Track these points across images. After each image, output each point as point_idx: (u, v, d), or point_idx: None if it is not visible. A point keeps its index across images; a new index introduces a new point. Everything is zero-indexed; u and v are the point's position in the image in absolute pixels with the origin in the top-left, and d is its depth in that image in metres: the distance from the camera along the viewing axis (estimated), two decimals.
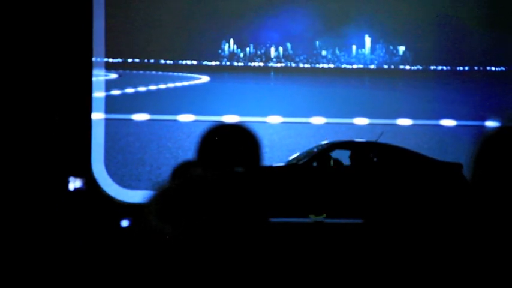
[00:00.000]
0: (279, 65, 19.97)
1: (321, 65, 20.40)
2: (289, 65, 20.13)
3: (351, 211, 10.71)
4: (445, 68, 20.96)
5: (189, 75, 21.80)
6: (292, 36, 20.31)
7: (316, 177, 11.29)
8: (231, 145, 2.22)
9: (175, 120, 16.69)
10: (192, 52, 20.05)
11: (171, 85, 20.90)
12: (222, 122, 2.39)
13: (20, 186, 7.95)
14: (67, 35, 10.18)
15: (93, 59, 11.33)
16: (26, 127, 9.10)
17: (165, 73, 21.03)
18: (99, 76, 21.83)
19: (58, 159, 8.43)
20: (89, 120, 10.38)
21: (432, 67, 21.01)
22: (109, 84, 20.22)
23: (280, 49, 20.31)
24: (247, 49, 20.05)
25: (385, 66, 21.18)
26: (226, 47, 19.83)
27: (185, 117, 16.76)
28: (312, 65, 20.28)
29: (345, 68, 20.81)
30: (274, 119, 17.56)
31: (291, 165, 11.43)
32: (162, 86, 20.80)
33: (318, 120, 17.58)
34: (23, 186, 8.04)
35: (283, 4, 19.88)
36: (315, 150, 11.64)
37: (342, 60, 20.87)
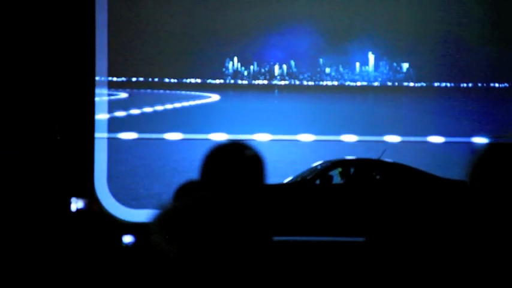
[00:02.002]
0: (282, 82, 20.04)
1: (324, 83, 20.46)
2: (293, 82, 20.20)
3: (356, 230, 10.72)
4: (448, 84, 20.99)
5: (198, 93, 21.87)
6: (296, 54, 20.38)
7: (319, 194, 11.31)
8: (234, 164, 2.21)
9: (207, 139, 16.83)
10: (195, 70, 20.13)
11: (186, 103, 20.97)
12: (224, 140, 2.38)
13: (22, 204, 7.96)
14: (69, 55, 10.25)
15: (97, 78, 11.40)
16: (29, 147, 9.18)
17: (174, 92, 21.09)
18: (110, 95, 22.08)
19: (61, 179, 8.44)
20: (92, 140, 10.47)
21: (436, 84, 21.05)
22: (124, 103, 20.33)
23: (284, 67, 20.40)
24: (251, 67, 20.14)
25: (389, 83, 21.22)
26: (230, 65, 19.92)
27: (217, 136, 16.92)
28: (316, 83, 20.34)
29: (348, 85, 20.87)
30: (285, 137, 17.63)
31: (293, 183, 11.47)
32: (178, 105, 20.86)
33: (329, 138, 17.70)
34: (25, 205, 8.06)
35: (286, 22, 19.98)
36: (319, 168, 11.67)
37: (346, 77, 20.94)
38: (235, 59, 20.45)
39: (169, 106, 20.94)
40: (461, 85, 21.15)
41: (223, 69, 20.37)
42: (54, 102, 9.57)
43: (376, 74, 21.17)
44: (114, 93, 20.16)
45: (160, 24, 19.36)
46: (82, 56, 10.10)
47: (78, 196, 8.74)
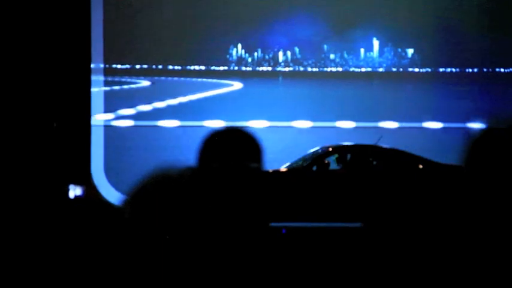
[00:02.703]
0: (287, 69, 20.03)
1: (329, 69, 20.44)
2: (297, 69, 20.18)
3: (354, 215, 10.74)
4: (454, 70, 20.91)
5: (220, 81, 21.72)
6: (300, 40, 20.36)
7: (317, 181, 11.35)
8: (232, 149, 2.21)
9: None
10: (199, 57, 20.14)
11: (215, 92, 20.80)
12: (223, 126, 2.39)
13: (19, 192, 8.02)
14: (65, 43, 10.28)
15: (100, 65, 11.42)
16: (25, 135, 9.19)
17: (193, 80, 20.93)
18: (131, 84, 21.96)
19: (58, 166, 8.48)
20: (89, 127, 10.50)
21: (441, 69, 20.97)
22: (150, 92, 20.29)
23: (288, 53, 20.37)
24: (255, 54, 20.14)
25: (394, 69, 21.16)
26: (234, 52, 19.92)
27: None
28: (320, 69, 20.32)
29: (353, 71, 20.84)
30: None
31: (291, 170, 11.51)
32: (209, 93, 20.69)
33: (347, 124, 17.77)
34: (22, 192, 8.11)
35: (290, 9, 19.95)
36: (316, 154, 11.70)
37: (350, 63, 20.90)
38: (239, 45, 20.46)
39: (200, 95, 20.88)
40: (467, 70, 21.06)
41: (227, 56, 20.39)
42: (50, 88, 9.61)
43: (381, 59, 21.12)
44: (136, 81, 20.21)
45: (163, 12, 19.39)
46: (77, 44, 10.12)
47: (75, 182, 8.78)
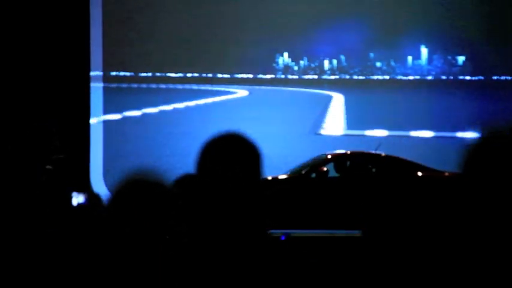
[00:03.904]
0: (332, 77, 20.19)
1: (375, 77, 20.45)
2: (343, 77, 20.30)
3: (352, 223, 10.81)
4: (509, 77, 20.42)
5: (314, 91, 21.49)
6: (346, 48, 20.45)
7: (313, 188, 11.42)
8: (230, 155, 2.35)
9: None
10: (247, 66, 20.59)
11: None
12: (222, 132, 2.50)
13: (21, 200, 8.47)
14: (63, 49, 10.73)
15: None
16: (24, 139, 9.64)
17: (284, 89, 20.86)
18: (229, 94, 22.28)
19: (58, 173, 8.99)
20: (87, 131, 10.90)
21: (495, 77, 20.54)
22: (259, 102, 20.09)
23: (334, 61, 20.52)
24: (301, 62, 20.40)
25: (443, 77, 20.92)
26: (280, 61, 20.26)
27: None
28: (366, 77, 20.36)
29: (400, 79, 20.74)
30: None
31: (289, 177, 11.61)
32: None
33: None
34: (24, 199, 8.57)
35: (336, 17, 20.07)
36: (315, 161, 11.77)
37: (397, 71, 20.81)
38: (286, 54, 20.76)
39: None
40: None
41: (274, 65, 20.73)
42: (49, 91, 10.10)
43: (430, 67, 20.92)
44: (233, 90, 20.51)
45: (211, 22, 19.90)
46: (76, 50, 10.58)
47: (74, 189, 9.17)
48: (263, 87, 21.32)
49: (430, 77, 20.58)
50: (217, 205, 2.26)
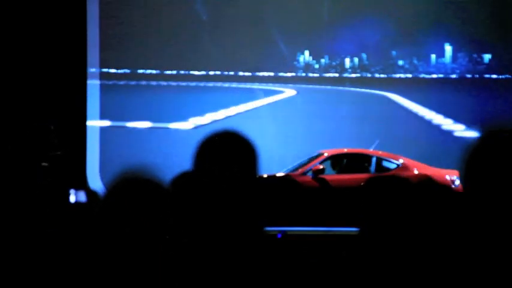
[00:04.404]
0: (353, 75, 20.02)
1: (397, 75, 20.19)
2: (364, 75, 20.11)
3: (348, 221, 10.73)
4: None
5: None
6: (368, 46, 20.24)
7: (308, 186, 11.39)
8: (226, 153, 2.37)
9: None
10: (268, 64, 20.55)
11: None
12: (218, 130, 2.53)
13: (19, 197, 8.63)
14: (61, 48, 10.85)
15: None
16: (22, 135, 9.80)
17: (328, 87, 20.69)
18: (276, 94, 22.25)
19: (56, 170, 9.08)
20: (84, 130, 11.06)
21: None
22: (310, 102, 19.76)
23: (356, 59, 20.34)
24: (322, 60, 20.27)
25: (468, 76, 20.53)
26: (301, 59, 20.17)
27: None
28: (388, 75, 20.12)
29: (423, 77, 20.43)
30: None
31: (285, 175, 11.60)
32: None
33: None
34: (22, 197, 8.73)
35: (358, 15, 19.88)
36: (311, 159, 11.72)
37: (420, 69, 20.51)
38: (307, 52, 20.65)
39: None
40: None
41: (295, 63, 20.64)
42: (47, 92, 10.27)
43: (454, 66, 20.56)
44: (279, 89, 20.49)
45: (231, 19, 19.92)
46: (73, 47, 10.73)
47: (71, 187, 9.37)
48: (310, 86, 21.13)
49: (454, 76, 20.21)
50: (214, 203, 2.29)
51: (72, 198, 8.77)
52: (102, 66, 12.94)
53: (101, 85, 12.69)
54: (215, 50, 20.62)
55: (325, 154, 11.99)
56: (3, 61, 10.25)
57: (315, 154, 12.10)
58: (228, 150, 2.37)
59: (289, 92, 21.00)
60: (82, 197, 8.89)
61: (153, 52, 18.54)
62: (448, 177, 10.98)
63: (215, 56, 20.78)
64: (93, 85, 11.75)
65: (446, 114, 20.09)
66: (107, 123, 15.09)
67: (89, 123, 10.74)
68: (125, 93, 17.09)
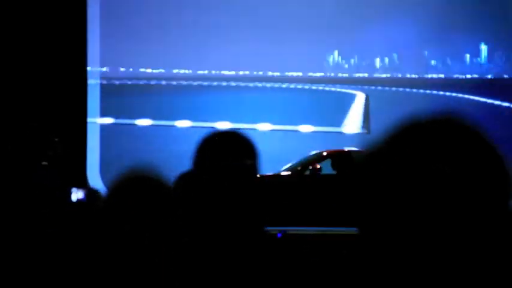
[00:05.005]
0: (384, 75, 19.53)
1: (429, 75, 19.62)
2: (395, 75, 19.60)
3: (346, 220, 10.41)
4: None
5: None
6: (399, 46, 19.73)
7: (307, 185, 11.09)
8: (226, 153, 2.35)
9: None
10: (297, 64, 20.25)
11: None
12: (217, 129, 2.54)
13: (20, 197, 8.56)
14: (60, 48, 10.77)
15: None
16: (22, 135, 9.75)
17: (408, 89, 20.29)
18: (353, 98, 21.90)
19: (57, 169, 9.02)
20: (84, 129, 10.95)
21: None
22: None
23: (386, 59, 19.84)
24: (352, 60, 19.85)
25: (505, 76, 19.79)
26: (330, 59, 19.79)
27: None
28: (420, 76, 19.56)
29: (457, 78, 19.80)
30: None
31: (283, 174, 11.34)
32: None
33: None
34: (24, 196, 8.66)
35: (388, 13, 19.38)
36: (310, 158, 11.42)
37: (454, 70, 19.87)
38: (336, 52, 20.26)
39: None
40: None
41: (324, 63, 20.27)
42: (47, 91, 10.22)
43: (490, 65, 19.85)
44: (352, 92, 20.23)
45: (260, 19, 19.69)
46: (74, 47, 10.66)
47: (72, 185, 9.26)
48: (379, 88, 20.59)
49: (489, 76, 19.51)
50: (214, 202, 2.25)
51: (74, 197, 8.59)
52: (102, 64, 12.87)
53: (101, 83, 12.61)
54: (243, 51, 20.38)
55: (324, 153, 11.70)
56: (4, 61, 10.22)
57: (315, 153, 11.82)
58: (228, 149, 2.26)
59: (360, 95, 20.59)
60: (83, 196, 8.69)
61: (169, 51, 18.43)
62: None
63: (242, 57, 20.55)
64: (93, 84, 11.62)
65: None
66: (107, 121, 15.10)
67: (89, 120, 10.64)
68: (130, 92, 17.08)
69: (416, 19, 19.13)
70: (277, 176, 11.40)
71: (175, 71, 20.01)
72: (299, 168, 11.55)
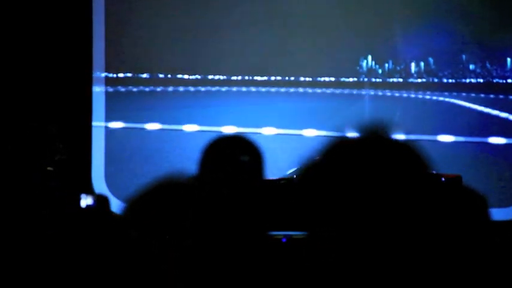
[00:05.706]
0: (419, 80, 18.85)
1: (468, 80, 18.84)
2: (431, 80, 18.89)
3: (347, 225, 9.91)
4: None
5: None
6: (435, 50, 19.01)
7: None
8: (232, 157, 2.28)
9: None
10: (329, 69, 19.69)
11: None
12: (223, 133, 2.47)
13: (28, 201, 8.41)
14: (66, 52, 10.50)
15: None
16: (25, 140, 9.55)
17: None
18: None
19: (64, 175, 8.77)
20: (89, 134, 10.70)
21: None
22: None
23: (422, 64, 19.14)
24: (386, 65, 19.21)
25: None
26: (364, 64, 19.19)
27: None
28: (457, 80, 18.81)
29: (497, 82, 18.97)
30: None
31: (287, 179, 10.88)
32: None
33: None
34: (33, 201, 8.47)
35: (424, 16, 18.70)
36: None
37: (494, 74, 19.06)
38: (370, 57, 19.64)
39: None
40: None
41: (357, 68, 19.68)
42: (51, 95, 9.99)
43: None
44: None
45: (293, 25, 19.26)
46: (79, 49, 10.39)
47: (78, 191, 9.03)
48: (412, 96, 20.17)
49: None
50: (219, 206, 2.32)
51: (83, 203, 8.29)
52: (108, 68, 12.55)
53: (107, 87, 12.30)
54: (274, 55, 19.95)
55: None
56: (9, 63, 10.00)
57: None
58: (234, 153, 2.10)
59: None
60: (92, 202, 8.38)
61: (192, 55, 18.03)
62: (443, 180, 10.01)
63: (273, 61, 20.11)
64: (98, 87, 11.35)
65: None
66: (113, 125, 14.75)
67: (94, 124, 10.39)
68: (137, 97, 16.72)
69: (453, 19, 18.41)
70: (283, 180, 11.01)
71: (197, 76, 19.69)
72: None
